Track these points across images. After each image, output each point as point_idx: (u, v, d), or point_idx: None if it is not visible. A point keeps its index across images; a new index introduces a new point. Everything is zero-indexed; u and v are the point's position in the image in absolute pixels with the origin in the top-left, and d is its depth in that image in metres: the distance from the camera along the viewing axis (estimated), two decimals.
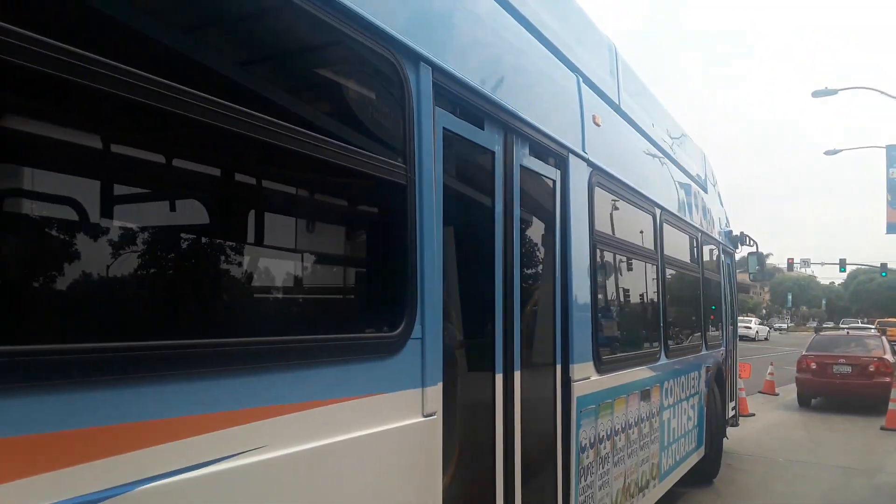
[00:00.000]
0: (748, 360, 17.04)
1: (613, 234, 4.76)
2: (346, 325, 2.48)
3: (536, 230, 3.82)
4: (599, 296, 4.40)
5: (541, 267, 3.87)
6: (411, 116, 2.46)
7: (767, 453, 9.31)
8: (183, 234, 2.05)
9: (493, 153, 3.14)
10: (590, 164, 4.21)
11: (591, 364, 4.07)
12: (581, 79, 4.31)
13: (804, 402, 14.25)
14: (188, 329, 1.86)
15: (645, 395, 5.10)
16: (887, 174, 22.83)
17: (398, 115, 2.45)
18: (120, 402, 1.48)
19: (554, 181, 3.82)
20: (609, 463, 4.32)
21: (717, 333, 8.15)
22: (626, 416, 4.65)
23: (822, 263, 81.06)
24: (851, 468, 8.56)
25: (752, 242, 10.11)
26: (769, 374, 16.88)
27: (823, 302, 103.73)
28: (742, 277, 13.47)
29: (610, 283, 4.91)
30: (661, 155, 6.26)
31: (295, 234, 2.42)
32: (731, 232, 9.55)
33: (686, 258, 6.97)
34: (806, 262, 61.04)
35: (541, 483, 3.51)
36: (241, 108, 1.78)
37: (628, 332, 5.43)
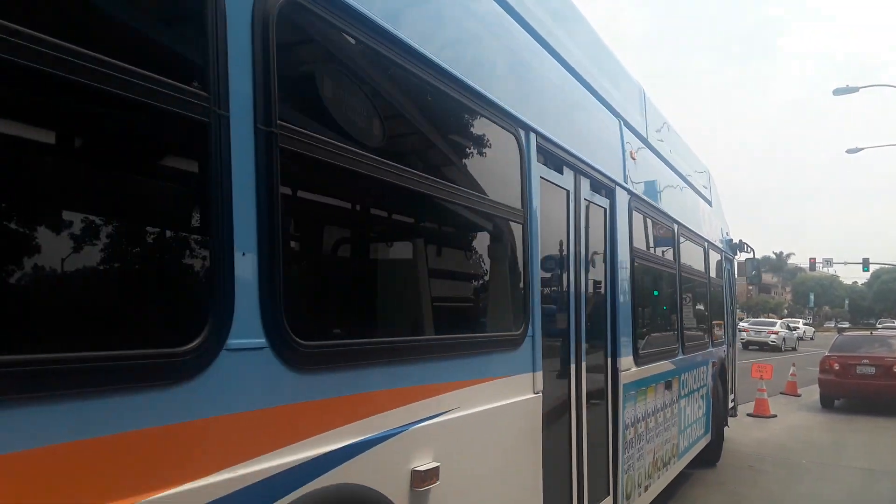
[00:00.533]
0: (770, 361, 16.86)
1: (646, 248, 5.69)
2: (495, 326, 3.31)
3: (594, 250, 4.56)
4: (636, 301, 5.22)
5: (598, 280, 4.67)
6: (525, 172, 3.33)
7: (790, 455, 9.17)
8: (432, 268, 3.01)
9: (567, 191, 4.07)
10: (629, 192, 5.12)
11: (631, 358, 4.98)
12: (622, 122, 5.23)
13: (827, 403, 14.04)
14: (423, 329, 2.83)
15: (668, 385, 5.97)
16: None
17: (517, 173, 3.30)
18: (389, 377, 2.37)
19: (605, 209, 4.74)
20: (643, 440, 5.19)
21: (720, 332, 9.05)
22: (654, 402, 5.53)
23: (845, 263, 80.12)
24: (876, 470, 8.40)
25: (749, 249, 11.18)
26: (791, 374, 16.66)
27: (846, 302, 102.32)
28: (763, 278, 14.11)
29: (643, 289, 5.67)
30: (676, 177, 7.15)
31: (470, 265, 3.39)
32: (731, 240, 10.53)
33: (697, 266, 7.87)
34: (829, 262, 60.39)
35: (598, 451, 4.40)
36: (433, 177, 2.69)
37: (656, 332, 6.22)
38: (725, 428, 9.04)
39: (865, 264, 50.38)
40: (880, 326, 50.20)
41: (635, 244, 5.20)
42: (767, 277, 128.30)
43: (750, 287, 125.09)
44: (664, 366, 5.86)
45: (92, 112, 1.58)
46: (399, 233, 2.81)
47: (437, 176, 2.72)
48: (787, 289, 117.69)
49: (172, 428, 1.58)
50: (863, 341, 14.95)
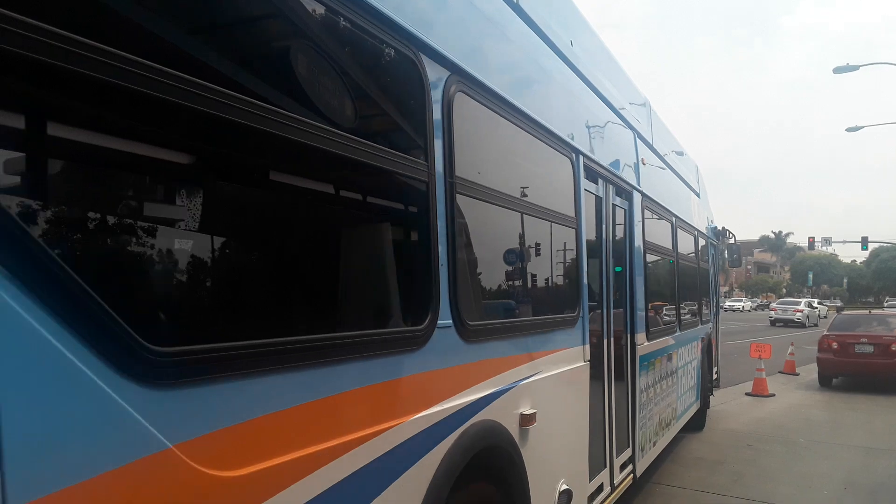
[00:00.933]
0: (769, 340, 16.94)
1: (653, 240, 6.54)
2: (563, 309, 4.19)
3: (617, 244, 5.45)
4: (648, 285, 6.18)
5: (619, 269, 5.52)
6: (576, 187, 4.25)
7: (788, 434, 9.24)
8: (530, 271, 3.91)
9: (601, 198, 5.00)
10: (642, 194, 6.04)
11: (644, 334, 5.92)
12: (636, 134, 6.09)
13: (825, 382, 14.12)
14: (528, 313, 3.78)
15: (669, 358, 7.00)
16: None
17: (571, 188, 4.21)
18: (512, 346, 3.32)
19: (625, 210, 5.67)
20: (653, 403, 6.19)
21: (707, 311, 10.20)
22: (660, 371, 6.54)
23: (844, 241, 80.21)
24: (874, 448, 8.47)
25: (730, 235, 12.54)
26: (789, 353, 16.75)
27: (845, 280, 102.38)
28: (761, 257, 15.27)
29: (652, 275, 6.59)
30: (673, 175, 8.08)
31: (552, 265, 4.15)
32: (715, 227, 11.62)
33: (689, 252, 8.90)
34: (827, 241, 60.31)
35: (622, 410, 5.38)
36: (530, 202, 3.66)
37: (661, 311, 7.22)
38: (711, 398, 10.26)
39: (864, 243, 50.31)
40: (887, 306, 50.76)
41: (647, 238, 6.22)
42: (766, 257, 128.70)
43: (749, 267, 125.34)
44: (667, 341, 6.89)
45: (380, 179, 2.55)
46: (511, 246, 3.70)
47: (532, 199, 3.67)
48: (786, 268, 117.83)
49: (416, 377, 2.51)
50: (861, 320, 15.02)
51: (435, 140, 2.65)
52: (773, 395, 12.47)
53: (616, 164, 5.24)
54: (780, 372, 15.73)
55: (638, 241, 5.90)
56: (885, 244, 75.04)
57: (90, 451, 1.34)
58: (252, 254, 2.31)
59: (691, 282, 8.92)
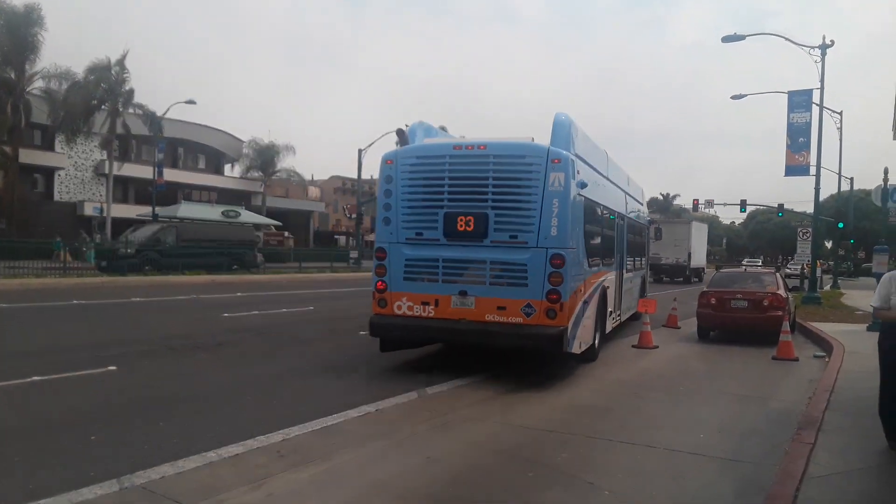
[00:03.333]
0: (655, 296, 17.83)
1: (629, 231, 15.71)
2: (612, 259, 13.06)
3: (626, 235, 15.25)
4: (627, 250, 15.19)
5: (621, 244, 14.35)
6: (648, 226, 20.38)
7: (670, 383, 9.79)
8: (632, 246, 16.87)
9: (645, 225, 19.61)
10: (625, 216, 15.08)
11: (624, 271, 14.69)
12: (624, 192, 15.27)
13: (703, 334, 15.03)
14: (630, 257, 16.40)
15: (631, 280, 16.12)
16: (788, 119, 23.86)
17: (647, 225, 20.18)
18: (613, 266, 14.06)
19: (648, 229, 20.25)
20: (626, 296, 15.27)
21: (642, 262, 19.21)
22: (628, 284, 15.61)
23: (725, 204, 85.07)
24: (747, 396, 9.13)
25: (655, 222, 24.44)
26: (672, 308, 17.72)
27: (724, 240, 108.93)
28: (650, 218, 20.13)
29: (627, 246, 15.36)
30: (633, 199, 16.94)
31: (647, 249, 20.38)
32: (648, 217, 22.00)
33: (638, 234, 17.78)
34: (710, 203, 63.81)
35: (619, 296, 14.24)
36: (631, 235, 16.16)
37: (629, 261, 15.69)
38: (636, 310, 16.84)
39: (743, 205, 53.53)
40: (744, 265, 55.43)
41: (628, 232, 15.37)
42: (654, 217, 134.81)
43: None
44: (630, 273, 15.86)
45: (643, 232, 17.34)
46: (606, 234, 12.12)
47: (633, 233, 16.05)
48: None
49: (610, 272, 13.25)
50: (738, 277, 16.03)
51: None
52: (657, 346, 13.14)
53: (624, 207, 14.85)
54: (663, 326, 16.63)
55: (627, 233, 15.21)
56: (760, 207, 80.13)
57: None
58: (638, 250, 16.67)
59: (639, 249, 18.16)
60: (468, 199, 9.35)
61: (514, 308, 9.12)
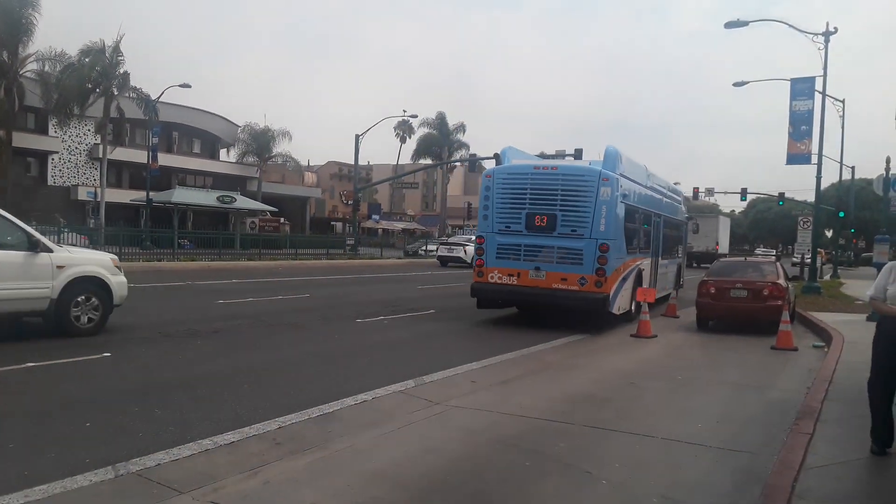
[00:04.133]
0: (687, 279, 18.52)
1: (667, 227, 19.76)
2: (648, 249, 16.99)
3: (662, 230, 19.13)
4: (663, 243, 19.13)
5: (657, 237, 18.21)
6: (686, 222, 24.56)
7: (668, 372, 9.78)
8: (668, 238, 20.98)
9: (683, 221, 23.72)
10: (663, 215, 18.97)
11: (661, 258, 18.86)
12: (662, 195, 19.47)
13: (702, 324, 14.98)
14: (666, 250, 20.72)
15: (664, 266, 19.40)
16: (790, 107, 23.70)
17: (685, 221, 24.32)
18: (659, 255, 19.33)
19: (686, 225, 24.43)
20: (662, 279, 19.12)
21: (680, 253, 23.03)
22: (661, 270, 18.85)
23: (725, 192, 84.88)
24: (745, 385, 9.11)
25: (693, 217, 27.56)
26: (672, 298, 17.70)
27: None
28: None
29: (665, 239, 19.39)
30: (672, 202, 21.40)
31: (684, 241, 24.80)
32: (688, 216, 25.09)
33: (675, 229, 21.70)
34: (710, 191, 63.69)
35: (654, 277, 17.99)
36: (667, 231, 20.16)
37: (664, 251, 19.26)
38: (672, 294, 18.97)
39: (743, 194, 53.52)
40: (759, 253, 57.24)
41: (664, 227, 19.04)
42: (691, 215, 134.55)
43: None
44: (667, 261, 19.91)
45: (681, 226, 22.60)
46: (645, 228, 16.03)
47: (669, 228, 20.03)
48: None
49: (648, 258, 17.48)
50: (738, 266, 15.95)
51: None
52: (656, 336, 13.11)
53: (662, 209, 18.87)
54: (662, 315, 16.61)
55: (664, 229, 18.92)
56: (761, 195, 79.91)
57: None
58: (675, 242, 21.47)
59: (675, 241, 21.53)
60: (543, 204, 13.67)
61: (572, 279, 13.30)
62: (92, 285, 10.45)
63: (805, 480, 5.14)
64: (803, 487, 5.00)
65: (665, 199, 19.86)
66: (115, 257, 11.48)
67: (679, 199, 23.84)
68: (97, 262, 10.87)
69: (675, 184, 27.17)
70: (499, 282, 13.83)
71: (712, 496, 4.98)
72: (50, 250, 9.99)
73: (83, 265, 10.44)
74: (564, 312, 13.86)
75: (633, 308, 15.14)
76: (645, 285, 15.96)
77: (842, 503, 4.99)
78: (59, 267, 9.99)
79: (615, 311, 13.67)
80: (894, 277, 5.95)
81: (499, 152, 16.67)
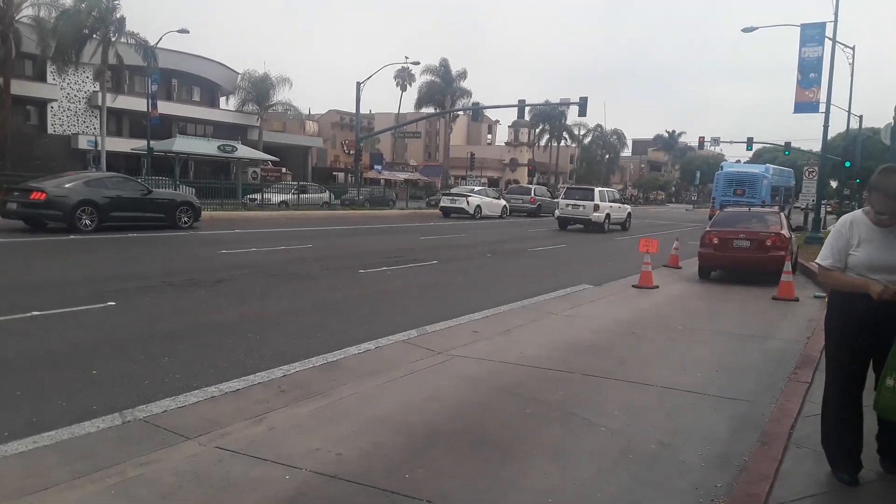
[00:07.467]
0: (656, 236, 17.77)
1: (788, 192, 43.80)
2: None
3: (789, 194, 42.20)
4: (785, 199, 40.63)
5: (787, 198, 41.34)
6: (793, 187, 44.31)
7: (668, 322, 9.83)
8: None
9: (792, 186, 45.59)
10: (795, 183, 43.89)
11: (786, 210, 32.71)
12: (787, 176, 44.48)
13: (704, 274, 15.00)
14: None
15: (788, 215, 24.51)
16: (799, 53, 23.28)
17: (793, 186, 44.61)
18: None
19: (793, 188, 45.15)
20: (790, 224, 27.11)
21: (790, 199, 42.34)
22: (791, 217, 26.78)
23: (731, 142, 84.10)
24: (745, 335, 9.17)
25: (794, 180, 45.03)
26: (674, 248, 17.69)
27: None
28: (655, 156, 25.37)
29: (786, 198, 41.41)
30: (788, 176, 44.74)
31: (791, 199, 42.11)
32: (793, 181, 44.16)
33: (789, 192, 43.85)
34: (716, 141, 63.12)
35: (789, 222, 19.98)
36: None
37: (785, 206, 37.45)
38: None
39: (749, 143, 53.07)
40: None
41: (784, 192, 39.92)
42: (659, 155, 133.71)
43: (642, 166, 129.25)
44: (787, 211, 31.27)
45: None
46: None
47: (787, 193, 42.25)
48: (676, 167, 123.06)
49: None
50: (741, 217, 15.86)
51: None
52: (657, 286, 13.12)
53: (781, 181, 40.29)
54: (664, 265, 16.62)
55: (782, 193, 39.36)
56: (767, 145, 79.08)
57: None
58: (786, 199, 39.79)
59: (787, 198, 39.30)
60: (740, 186, 34.69)
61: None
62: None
63: (802, 428, 5.22)
64: (800, 434, 5.08)
65: (784, 177, 39.34)
66: None
67: (791, 175, 43.24)
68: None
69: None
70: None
71: (710, 442, 5.06)
72: None
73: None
74: None
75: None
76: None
77: None
78: None
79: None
80: (860, 237, 4.22)
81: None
